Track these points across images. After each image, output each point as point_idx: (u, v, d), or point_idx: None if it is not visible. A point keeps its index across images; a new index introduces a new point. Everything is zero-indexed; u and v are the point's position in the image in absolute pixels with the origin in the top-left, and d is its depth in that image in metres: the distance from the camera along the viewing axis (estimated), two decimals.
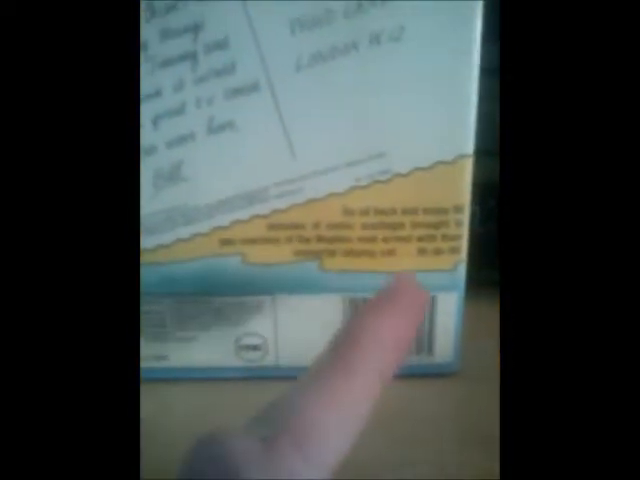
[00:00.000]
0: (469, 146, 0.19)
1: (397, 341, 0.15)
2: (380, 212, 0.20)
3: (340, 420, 0.13)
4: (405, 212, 0.20)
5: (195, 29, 0.18)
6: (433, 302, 0.22)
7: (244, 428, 0.13)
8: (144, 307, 0.22)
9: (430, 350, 0.22)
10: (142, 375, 0.23)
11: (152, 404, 0.22)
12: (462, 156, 0.19)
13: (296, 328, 0.22)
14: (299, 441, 0.12)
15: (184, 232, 0.21)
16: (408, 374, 0.23)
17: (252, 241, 0.21)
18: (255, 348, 0.22)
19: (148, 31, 0.18)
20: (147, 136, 0.19)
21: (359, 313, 0.15)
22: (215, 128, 0.19)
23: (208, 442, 0.13)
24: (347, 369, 0.14)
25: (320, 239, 0.21)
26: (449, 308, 0.22)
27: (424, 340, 0.22)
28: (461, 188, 0.20)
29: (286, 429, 0.12)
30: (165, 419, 0.22)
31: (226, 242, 0.21)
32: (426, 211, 0.20)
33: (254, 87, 0.19)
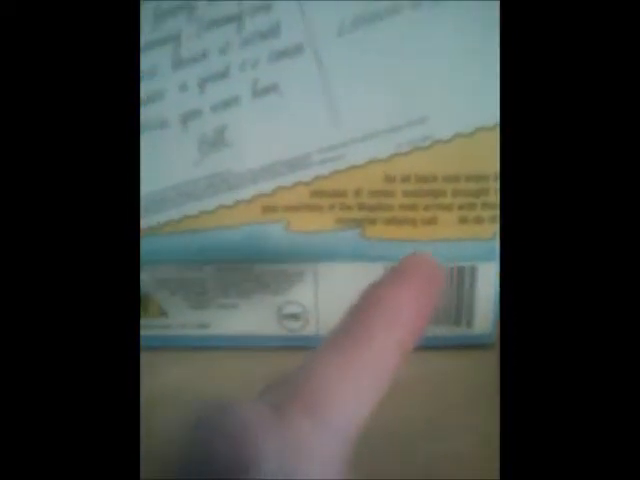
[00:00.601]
0: None
1: (415, 312, 0.14)
2: (421, 179, 0.20)
3: (355, 388, 0.13)
4: (446, 179, 0.20)
5: None
6: (472, 272, 0.21)
7: (257, 396, 0.13)
8: (186, 274, 0.22)
9: (469, 321, 0.22)
10: (184, 343, 0.23)
11: (193, 371, 0.22)
12: None
13: (337, 297, 0.22)
14: (311, 408, 0.12)
15: (227, 198, 0.21)
16: (447, 345, 0.22)
17: (295, 208, 0.21)
18: (296, 317, 0.22)
19: None
20: (193, 100, 0.19)
21: (376, 284, 0.15)
22: (259, 91, 0.19)
23: (216, 409, 0.12)
24: (363, 337, 0.14)
25: (361, 207, 0.20)
26: (489, 278, 0.21)
27: (463, 311, 0.22)
28: None
29: (298, 396, 0.12)
30: (205, 386, 0.22)
31: (269, 209, 0.21)
32: (467, 178, 0.20)
33: (298, 50, 0.19)
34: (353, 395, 0.13)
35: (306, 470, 0.11)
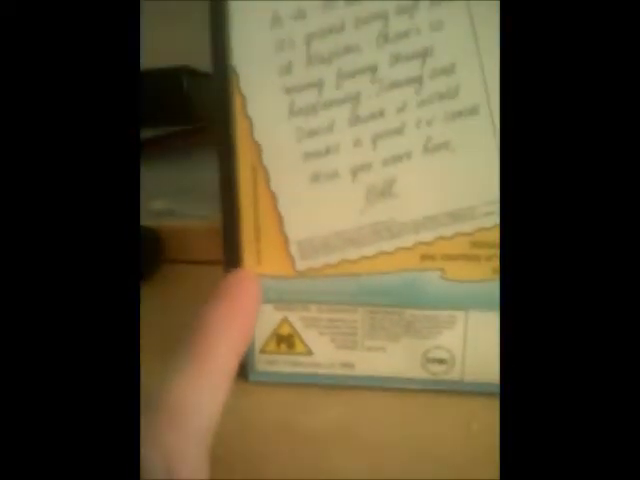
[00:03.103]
0: None
1: (240, 321, 0.18)
2: None
3: (206, 395, 0.16)
4: None
5: (424, 54, 0.19)
6: None
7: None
8: (337, 315, 0.23)
9: None
10: (328, 381, 0.24)
11: (337, 410, 0.23)
12: None
13: (485, 345, 0.23)
14: (171, 418, 0.15)
15: (388, 245, 0.22)
16: None
17: (453, 257, 0.21)
18: (441, 362, 0.23)
19: (379, 55, 0.19)
20: (365, 154, 0.20)
21: (208, 302, 0.18)
22: (431, 148, 0.20)
23: None
24: (204, 351, 0.17)
25: None
26: None
27: None
28: None
29: (161, 408, 0.15)
30: (349, 425, 0.22)
31: (427, 257, 0.22)
32: None
33: (474, 110, 0.20)
34: (206, 401, 0.16)
35: (179, 473, 0.14)
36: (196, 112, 0.42)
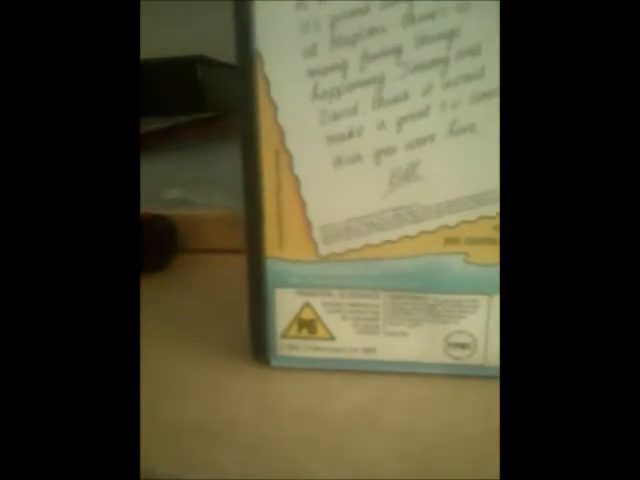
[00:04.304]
0: None
1: None
2: None
3: None
4: None
5: (450, 36, 0.19)
6: None
7: None
8: (360, 300, 0.23)
9: None
10: (350, 366, 0.24)
11: (359, 395, 0.23)
12: None
13: None
14: None
15: (411, 229, 0.21)
16: None
17: (476, 241, 0.21)
18: (464, 346, 0.23)
19: (404, 37, 0.19)
20: (389, 137, 0.20)
21: None
22: (456, 130, 0.20)
23: None
24: None
25: None
26: None
27: None
28: None
29: None
30: (371, 410, 0.22)
31: (451, 241, 0.21)
32: None
33: (496, 93, 0.19)
34: None
35: None
36: (210, 101, 0.42)
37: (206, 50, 0.41)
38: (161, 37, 0.41)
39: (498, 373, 0.23)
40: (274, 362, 0.24)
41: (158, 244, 0.38)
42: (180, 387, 0.24)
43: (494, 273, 0.22)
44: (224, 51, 0.22)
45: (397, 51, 0.19)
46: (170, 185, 0.44)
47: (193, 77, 0.42)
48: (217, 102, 0.43)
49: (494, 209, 0.21)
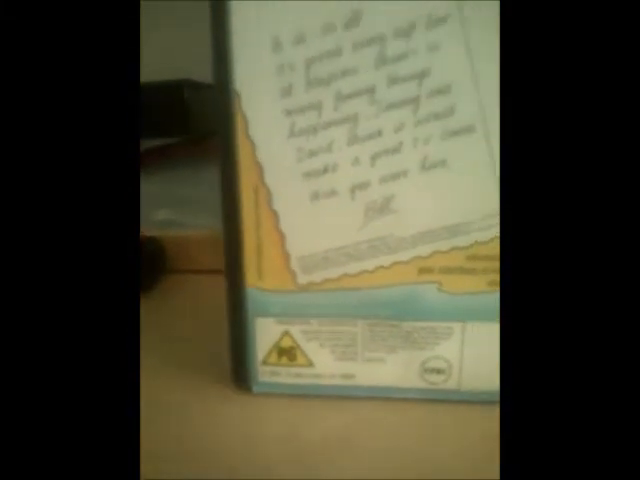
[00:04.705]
0: None
1: None
2: None
3: None
4: None
5: (421, 76, 0.20)
6: None
7: None
8: (338, 328, 0.23)
9: None
10: (329, 392, 0.24)
11: (338, 420, 0.24)
12: None
13: (482, 354, 0.23)
14: None
15: (386, 260, 0.22)
16: None
17: (449, 270, 0.22)
18: (439, 371, 0.24)
19: (377, 77, 0.20)
20: (363, 172, 0.21)
21: None
22: (428, 166, 0.21)
23: None
24: None
25: None
26: None
27: None
28: None
29: None
30: (350, 434, 0.23)
31: (425, 271, 0.22)
32: None
33: (470, 129, 0.20)
34: None
35: None
36: (197, 123, 0.43)
37: (193, 71, 0.42)
38: (148, 60, 0.42)
39: (473, 397, 0.24)
40: (255, 388, 0.25)
41: (147, 265, 0.39)
42: (161, 411, 0.24)
43: (467, 301, 0.22)
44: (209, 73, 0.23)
45: (370, 91, 0.20)
46: (158, 206, 0.45)
47: (180, 100, 0.43)
48: (204, 124, 0.44)
49: (466, 240, 0.22)
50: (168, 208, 0.45)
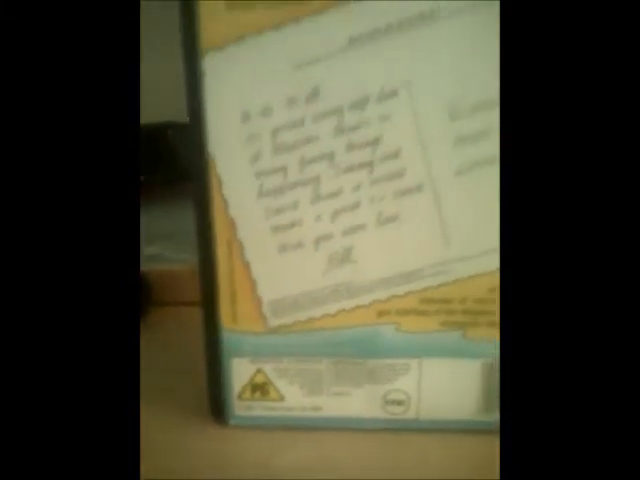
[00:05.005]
0: None
1: None
2: None
3: None
4: None
5: (374, 143, 0.22)
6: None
7: None
8: (306, 366, 0.26)
9: None
10: (299, 423, 0.27)
11: (308, 449, 0.26)
12: None
13: (437, 387, 0.25)
14: None
15: (347, 304, 0.25)
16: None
17: (405, 312, 0.24)
18: (399, 403, 0.26)
19: (336, 144, 0.22)
20: (325, 227, 0.23)
21: None
22: (383, 221, 0.23)
23: None
24: None
25: (466, 312, 0.24)
26: None
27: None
28: None
29: None
30: (320, 462, 0.25)
31: (383, 313, 0.25)
32: None
33: (419, 188, 0.23)
34: None
35: None
36: (181, 162, 0.46)
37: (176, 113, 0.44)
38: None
39: (430, 426, 0.26)
40: (232, 421, 0.27)
41: None
42: (142, 441, 0.26)
43: (422, 339, 0.25)
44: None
45: (330, 156, 0.23)
46: (144, 242, 0.47)
47: (165, 142, 0.45)
48: (187, 162, 0.46)
49: (419, 285, 0.24)
50: (154, 244, 0.47)
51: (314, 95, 0.22)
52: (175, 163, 0.45)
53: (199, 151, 0.23)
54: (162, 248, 0.47)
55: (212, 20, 0.22)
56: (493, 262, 0.23)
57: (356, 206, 0.23)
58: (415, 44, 0.21)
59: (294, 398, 0.26)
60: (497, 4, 0.20)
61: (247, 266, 0.24)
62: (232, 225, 0.24)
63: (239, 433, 0.27)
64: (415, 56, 0.21)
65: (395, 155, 0.23)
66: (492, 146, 0.22)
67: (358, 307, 0.25)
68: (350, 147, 0.22)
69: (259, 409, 0.27)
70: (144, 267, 0.44)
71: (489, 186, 0.22)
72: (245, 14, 0.21)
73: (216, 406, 0.27)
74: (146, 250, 0.47)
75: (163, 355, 0.36)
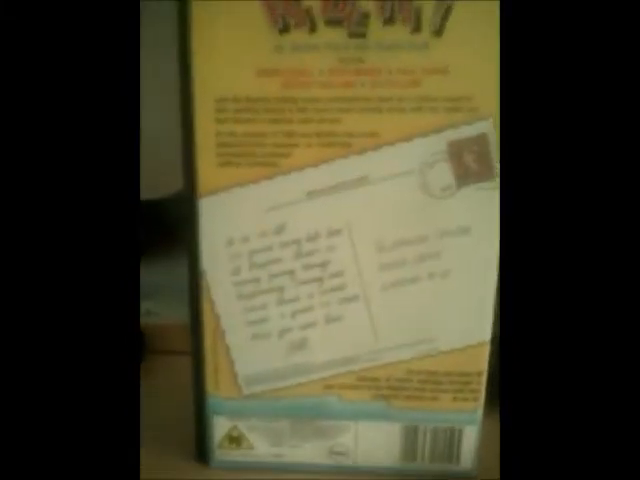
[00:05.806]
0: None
1: None
2: (431, 373, 0.32)
3: None
4: (446, 374, 0.32)
5: (324, 264, 0.31)
6: (459, 434, 0.33)
7: None
8: (270, 424, 0.34)
9: (458, 459, 0.34)
10: (267, 467, 0.34)
11: None
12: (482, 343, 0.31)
13: (369, 442, 0.33)
14: None
15: (300, 379, 0.33)
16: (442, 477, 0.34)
17: (346, 387, 0.32)
18: (342, 453, 0.34)
19: (296, 264, 0.31)
20: (287, 322, 0.31)
21: None
22: (329, 320, 0.31)
23: None
24: None
25: (389, 387, 0.32)
26: (471, 437, 0.33)
27: (454, 452, 0.34)
28: (481, 364, 0.32)
29: None
30: None
31: (328, 387, 0.33)
32: (460, 374, 0.32)
33: (354, 298, 0.31)
34: None
35: None
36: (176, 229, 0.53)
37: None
38: None
39: (366, 470, 0.34)
40: (212, 464, 0.35)
41: None
42: None
43: (358, 407, 0.33)
44: None
45: (291, 273, 0.31)
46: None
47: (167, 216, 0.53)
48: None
49: (357, 366, 0.32)
50: (147, 300, 0.54)
51: (281, 230, 0.30)
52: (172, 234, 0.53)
53: (193, 266, 0.31)
54: (156, 304, 0.54)
55: (208, 173, 0.30)
56: (410, 351, 0.32)
57: (310, 309, 0.31)
58: (354, 199, 0.30)
59: (262, 448, 0.34)
60: None
61: (227, 349, 0.32)
62: (217, 319, 0.31)
63: (219, 473, 0.34)
64: (354, 207, 0.30)
65: (338, 274, 0.31)
66: (408, 271, 0.30)
67: (311, 382, 0.33)
68: (306, 267, 0.31)
69: (234, 455, 0.34)
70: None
71: (411, 297, 0.31)
72: (233, 170, 0.30)
73: (200, 452, 0.35)
74: (142, 307, 0.54)
75: (153, 402, 0.43)
